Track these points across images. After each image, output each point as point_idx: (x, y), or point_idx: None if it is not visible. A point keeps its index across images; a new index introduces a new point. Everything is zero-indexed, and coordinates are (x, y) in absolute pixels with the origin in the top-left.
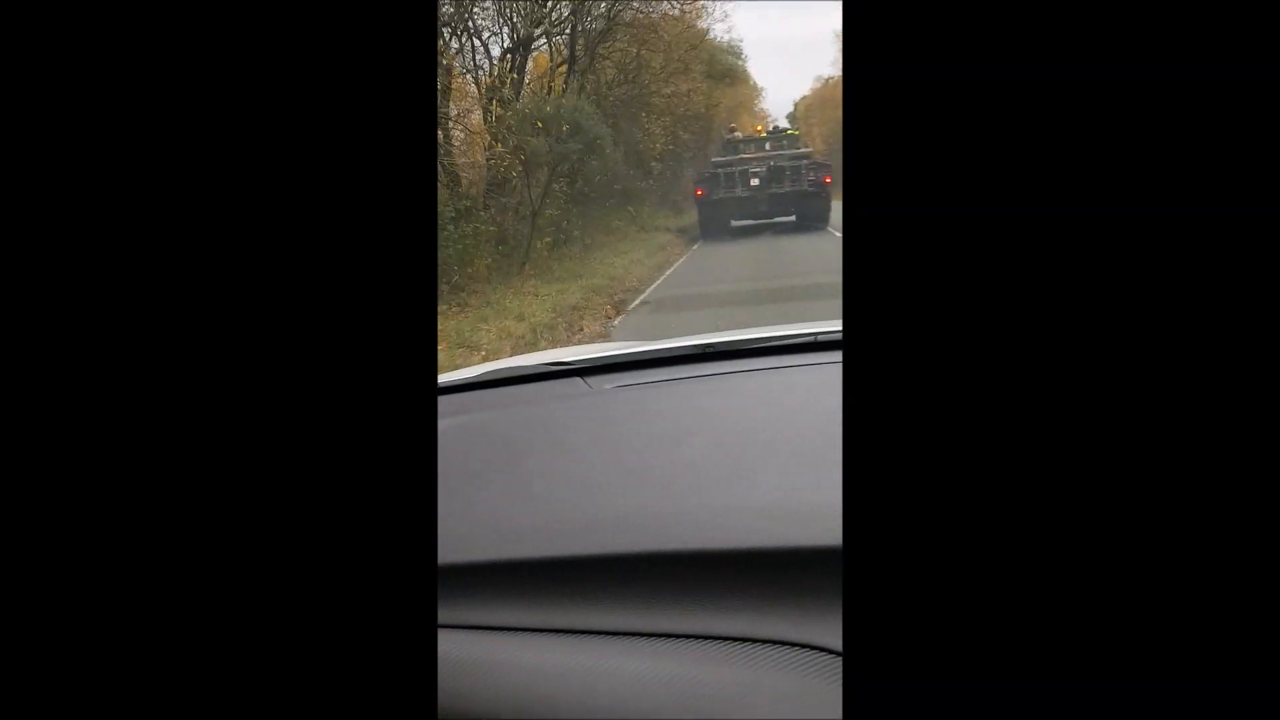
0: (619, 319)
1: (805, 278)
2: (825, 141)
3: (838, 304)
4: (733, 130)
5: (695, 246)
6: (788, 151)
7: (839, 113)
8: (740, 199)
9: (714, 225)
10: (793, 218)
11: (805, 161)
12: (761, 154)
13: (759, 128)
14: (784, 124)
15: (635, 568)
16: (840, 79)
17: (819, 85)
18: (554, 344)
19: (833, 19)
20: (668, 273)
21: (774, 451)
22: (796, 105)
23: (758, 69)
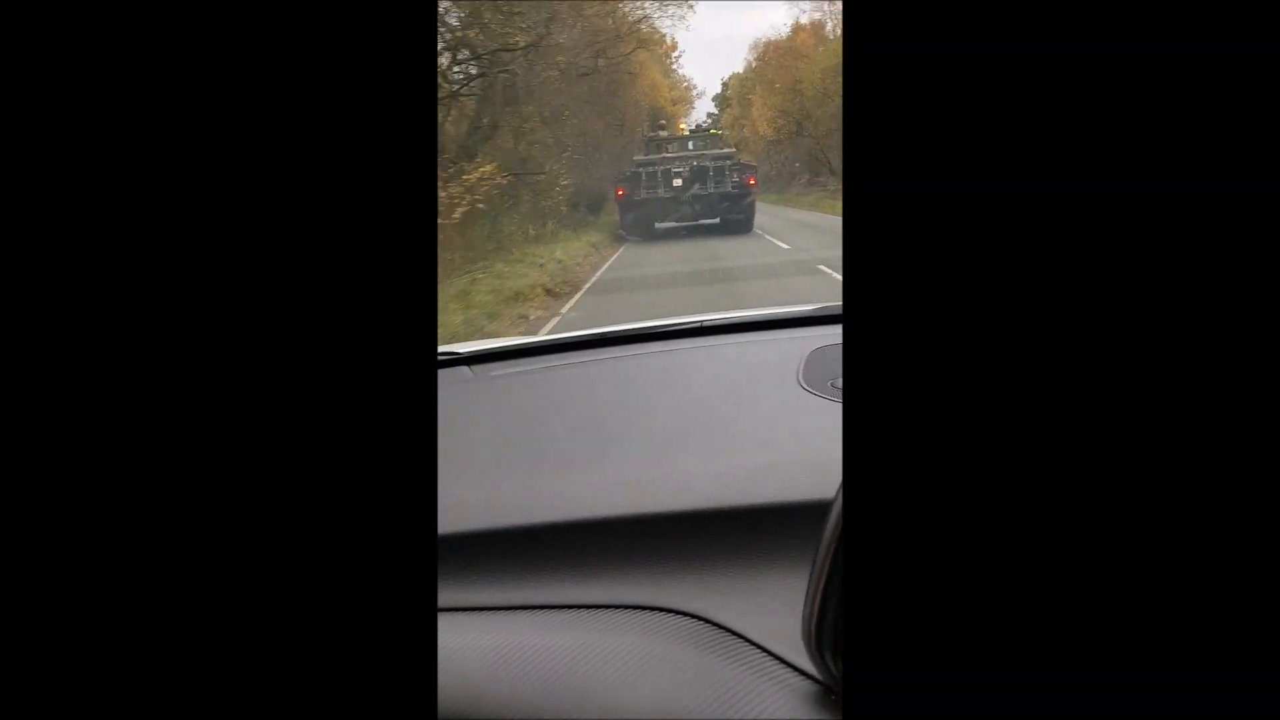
0: (567, 308)
1: (727, 262)
2: (775, 112)
3: (771, 284)
4: (660, 128)
5: (621, 249)
6: (711, 152)
7: (787, 73)
8: (663, 200)
9: (636, 226)
10: (717, 220)
11: (729, 162)
12: (684, 153)
13: (680, 125)
14: (705, 124)
15: (486, 544)
16: (793, 27)
17: (756, 54)
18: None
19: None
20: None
21: (644, 429)
22: (727, 83)
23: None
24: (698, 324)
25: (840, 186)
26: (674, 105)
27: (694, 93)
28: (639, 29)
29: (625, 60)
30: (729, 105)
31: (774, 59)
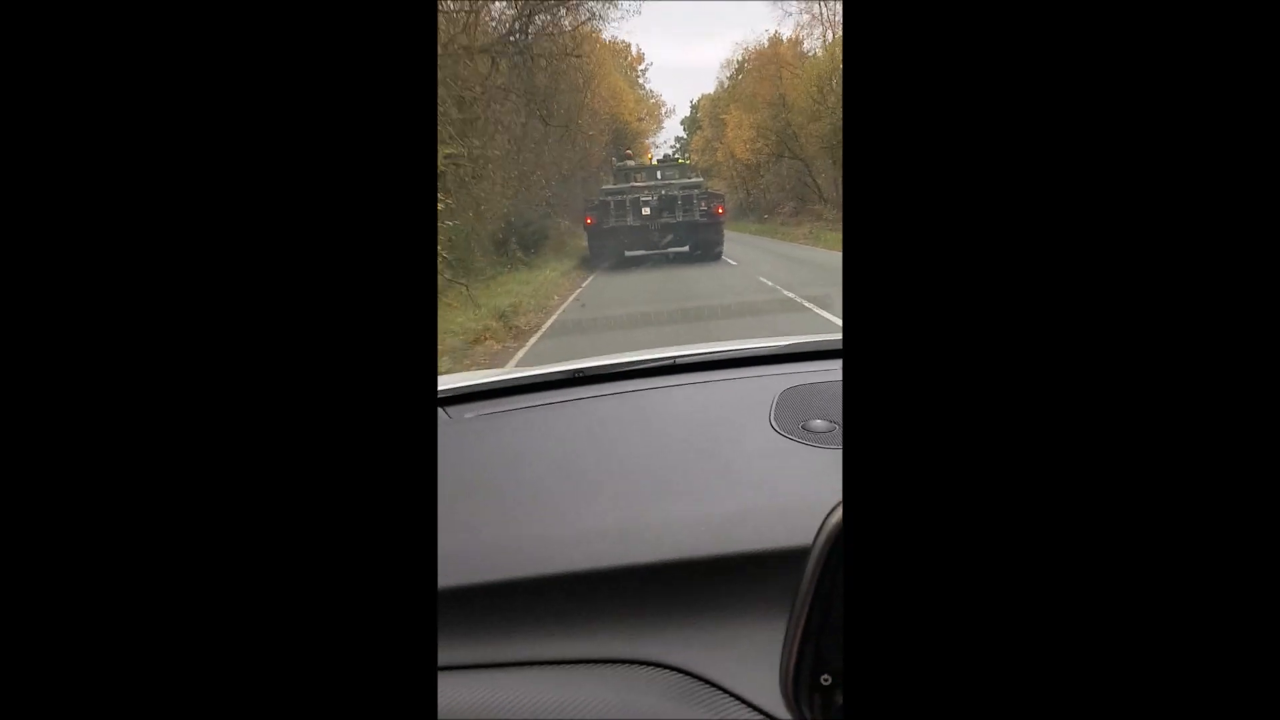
0: (525, 348)
1: (709, 299)
2: (754, 132)
3: (745, 323)
4: (627, 157)
5: (590, 278)
6: (679, 181)
7: (770, 86)
8: (632, 228)
9: (605, 254)
10: (685, 248)
11: (697, 191)
12: (653, 182)
13: (648, 154)
14: (673, 153)
15: (464, 599)
16: (771, 38)
17: (732, 68)
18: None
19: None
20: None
21: (620, 474)
22: (697, 104)
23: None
24: (669, 360)
25: (839, 216)
26: (640, 120)
27: (663, 110)
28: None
29: (572, 51)
30: (699, 128)
31: (755, 69)
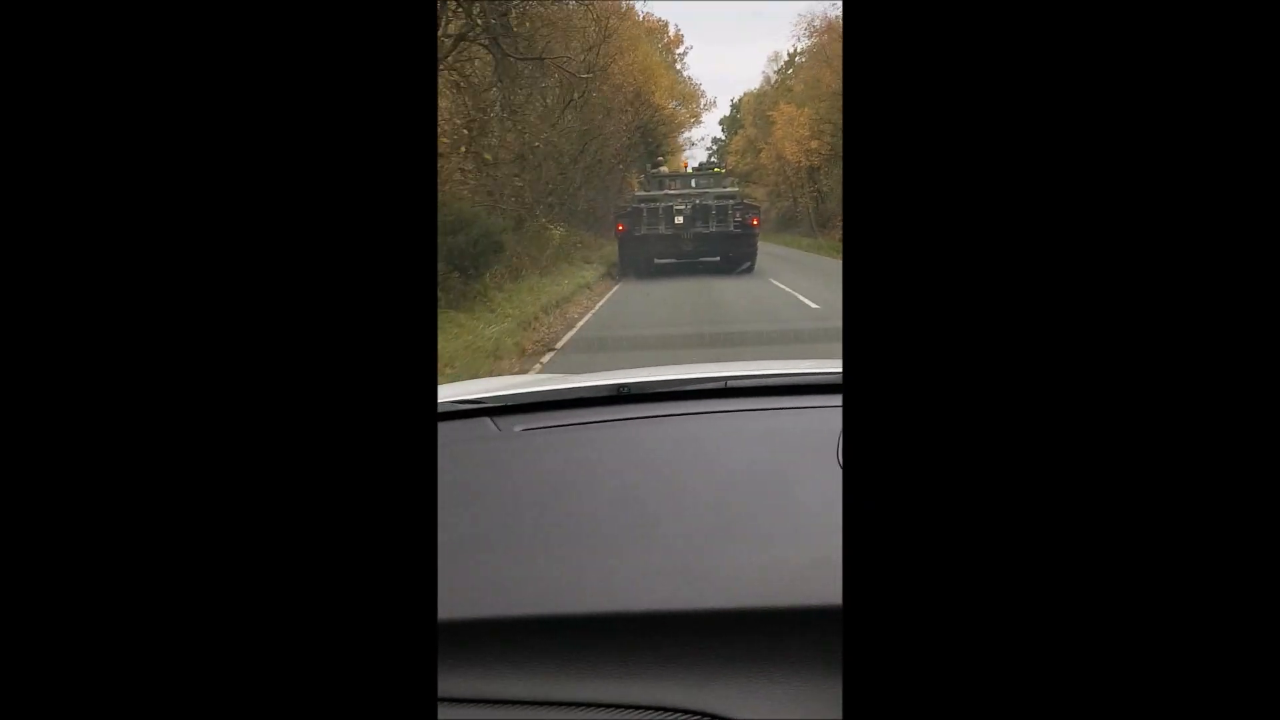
0: (546, 358)
1: (741, 324)
2: (809, 132)
3: (770, 350)
4: (659, 164)
5: (616, 287)
6: (714, 190)
7: (832, 71)
8: (663, 236)
9: (635, 263)
10: (717, 259)
11: (732, 201)
12: (687, 190)
13: (684, 163)
14: (711, 157)
15: (525, 631)
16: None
17: (782, 64)
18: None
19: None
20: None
21: (679, 509)
22: (739, 103)
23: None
24: (722, 381)
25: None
26: (675, 107)
27: (701, 100)
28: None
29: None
30: (741, 127)
31: (816, 50)
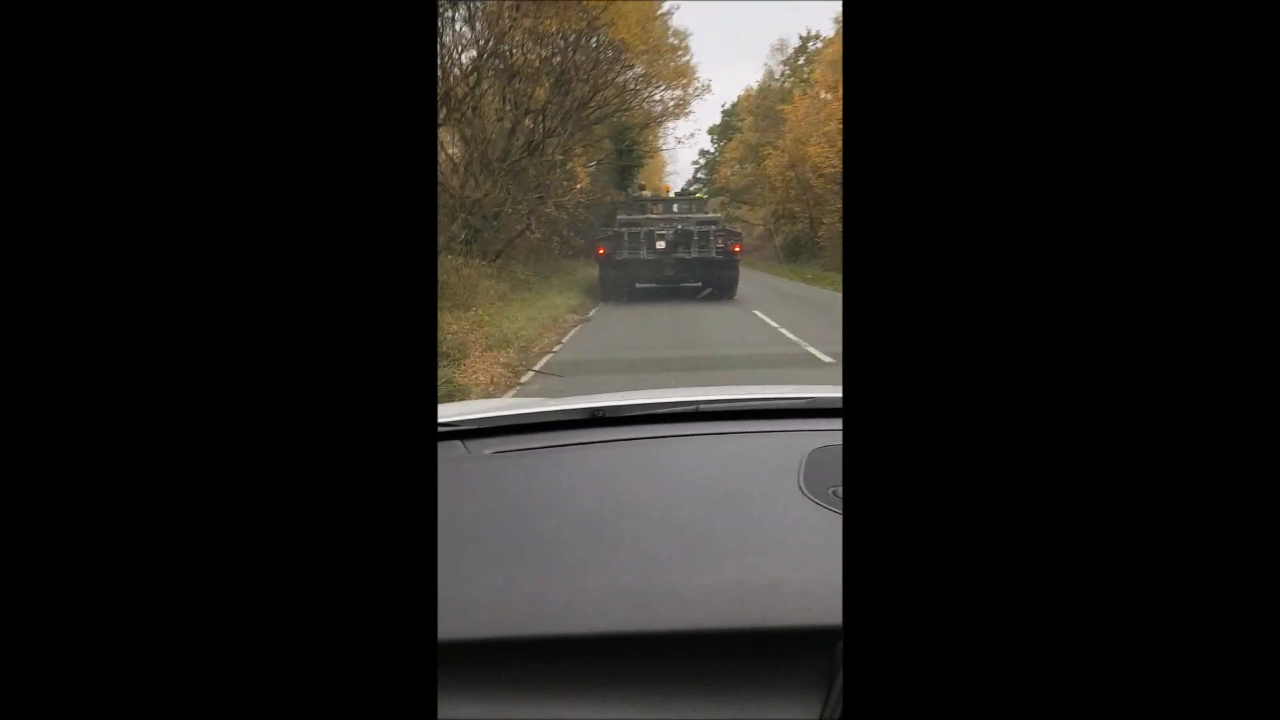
0: (523, 380)
1: (717, 349)
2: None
3: (747, 375)
4: (641, 188)
5: (594, 310)
6: (696, 215)
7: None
8: (645, 261)
9: (616, 287)
10: (699, 285)
11: (714, 227)
12: (669, 215)
13: (666, 188)
14: (690, 189)
15: (487, 652)
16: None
17: (791, 52)
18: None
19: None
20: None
21: (646, 530)
22: (732, 107)
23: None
24: (692, 406)
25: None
26: (654, 56)
27: (695, 83)
28: None
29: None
30: (737, 131)
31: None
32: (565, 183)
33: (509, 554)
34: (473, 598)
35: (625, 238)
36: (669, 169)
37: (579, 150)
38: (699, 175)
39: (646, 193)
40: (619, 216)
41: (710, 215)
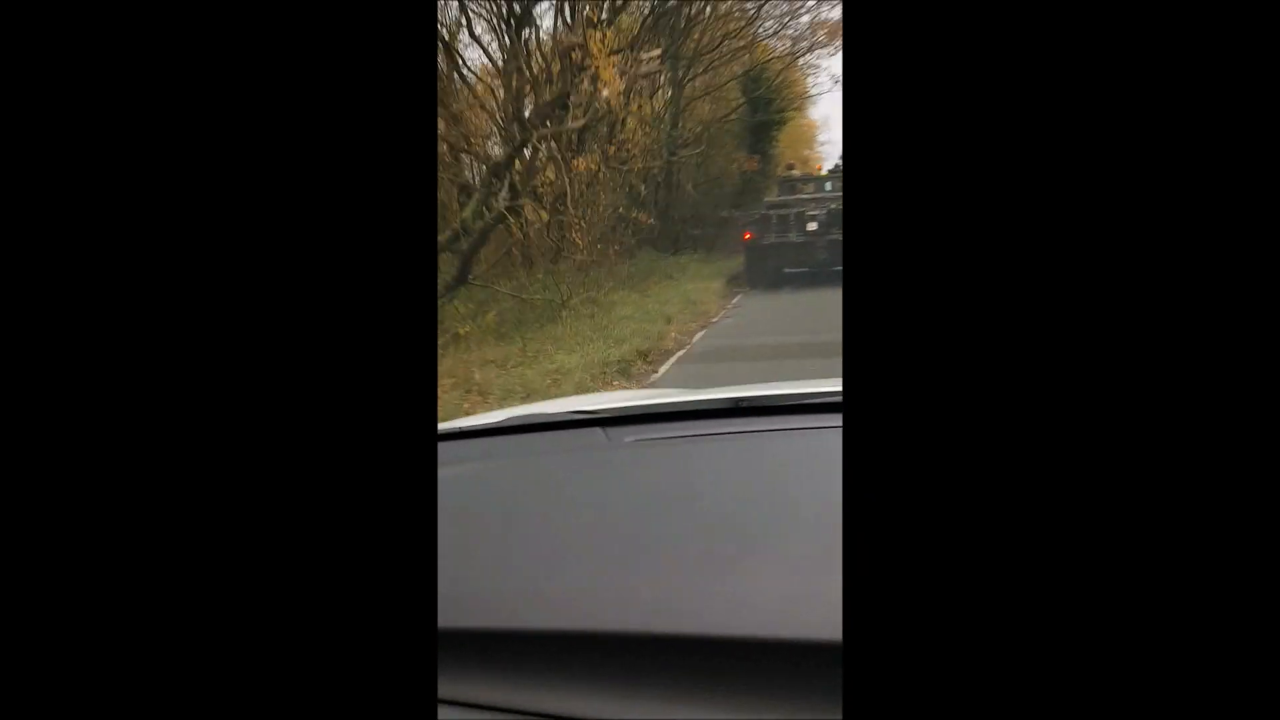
0: (662, 370)
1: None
2: None
3: None
4: (790, 168)
5: (737, 298)
6: None
7: None
8: (795, 245)
9: (763, 273)
10: None
11: None
12: (821, 195)
13: (818, 166)
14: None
15: (623, 649)
16: None
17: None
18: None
19: None
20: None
21: (785, 528)
22: None
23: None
24: (837, 396)
25: None
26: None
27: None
28: None
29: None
30: None
31: None
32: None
33: (649, 548)
34: (594, 590)
35: (774, 220)
36: (822, 137)
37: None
38: None
39: (796, 172)
40: (766, 199)
41: None
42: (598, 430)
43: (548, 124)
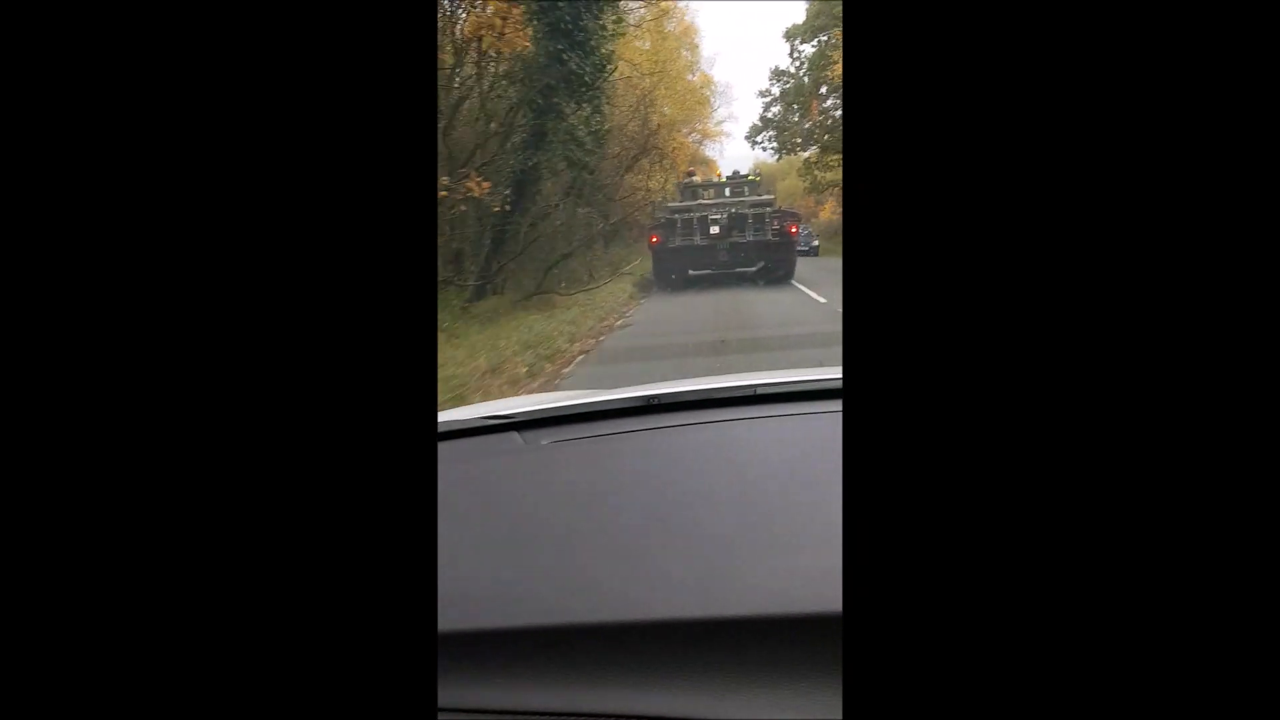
0: (569, 369)
1: (769, 330)
2: None
3: (801, 355)
4: (690, 174)
5: (646, 299)
6: (749, 198)
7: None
8: (699, 247)
9: (670, 275)
10: (754, 269)
11: (769, 209)
12: (722, 200)
13: (717, 172)
14: (743, 171)
15: (560, 639)
16: None
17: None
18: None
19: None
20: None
21: (712, 515)
22: (794, 28)
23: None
24: (750, 389)
25: None
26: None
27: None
28: None
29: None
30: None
31: None
32: None
33: (567, 543)
34: (531, 587)
35: (678, 224)
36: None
37: None
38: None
39: (698, 178)
40: (669, 204)
41: (764, 197)
42: (514, 434)
43: None
